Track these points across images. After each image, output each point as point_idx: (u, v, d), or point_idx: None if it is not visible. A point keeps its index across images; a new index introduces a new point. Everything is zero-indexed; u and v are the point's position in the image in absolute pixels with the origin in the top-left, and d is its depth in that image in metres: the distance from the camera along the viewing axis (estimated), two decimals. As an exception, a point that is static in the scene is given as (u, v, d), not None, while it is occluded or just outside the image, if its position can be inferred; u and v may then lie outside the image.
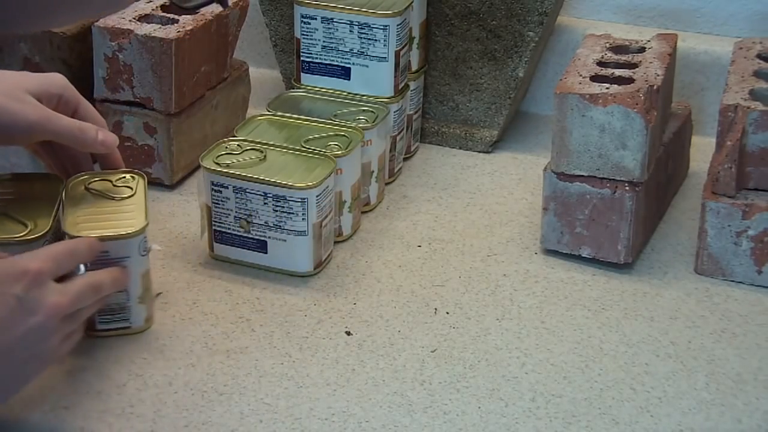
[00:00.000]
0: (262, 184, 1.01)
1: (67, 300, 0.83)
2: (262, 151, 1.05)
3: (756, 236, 1.01)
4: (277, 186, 1.01)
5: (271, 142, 1.07)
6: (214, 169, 1.02)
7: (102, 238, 0.90)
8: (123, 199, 0.96)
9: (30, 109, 0.92)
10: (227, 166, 1.03)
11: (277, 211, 1.01)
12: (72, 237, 0.90)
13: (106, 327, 0.94)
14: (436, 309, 1.00)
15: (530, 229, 1.12)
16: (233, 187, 1.02)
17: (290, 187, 1.00)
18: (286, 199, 1.01)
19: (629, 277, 1.05)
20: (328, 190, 1.03)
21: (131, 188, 0.97)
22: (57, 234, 0.93)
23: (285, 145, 1.07)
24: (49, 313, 0.81)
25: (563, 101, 1.02)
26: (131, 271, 0.92)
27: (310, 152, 1.06)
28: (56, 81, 0.96)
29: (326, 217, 1.03)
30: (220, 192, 1.03)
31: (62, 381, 0.89)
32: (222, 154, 1.04)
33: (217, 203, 1.03)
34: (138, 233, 0.92)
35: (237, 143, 1.07)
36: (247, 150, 1.05)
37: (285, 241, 1.02)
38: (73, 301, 0.83)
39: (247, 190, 1.01)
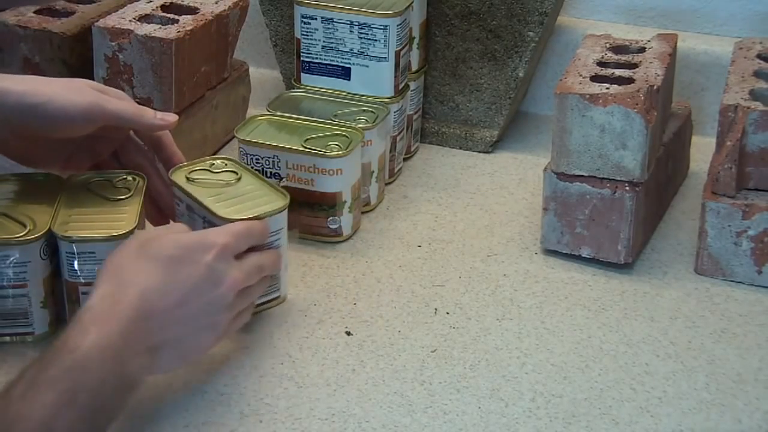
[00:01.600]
0: (262, 184, 1.01)
1: (243, 276, 0.87)
2: (237, 173, 0.99)
3: (756, 236, 1.01)
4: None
5: (272, 143, 1.07)
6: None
7: (86, 240, 0.90)
8: (118, 200, 0.96)
9: (88, 94, 0.95)
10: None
11: (277, 211, 1.01)
12: (59, 236, 0.90)
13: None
14: (436, 309, 1.00)
15: (530, 229, 1.12)
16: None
17: (290, 187, 1.00)
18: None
19: (629, 277, 1.05)
20: (328, 190, 1.03)
21: (129, 190, 0.97)
22: (54, 235, 0.92)
23: (285, 145, 1.07)
24: (230, 285, 0.85)
25: (563, 101, 1.02)
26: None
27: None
28: (91, 83, 0.99)
29: (326, 217, 1.03)
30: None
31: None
32: (197, 170, 0.99)
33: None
34: (123, 237, 0.91)
35: (213, 161, 1.01)
36: (225, 171, 1.00)
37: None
38: (246, 278, 0.88)
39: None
